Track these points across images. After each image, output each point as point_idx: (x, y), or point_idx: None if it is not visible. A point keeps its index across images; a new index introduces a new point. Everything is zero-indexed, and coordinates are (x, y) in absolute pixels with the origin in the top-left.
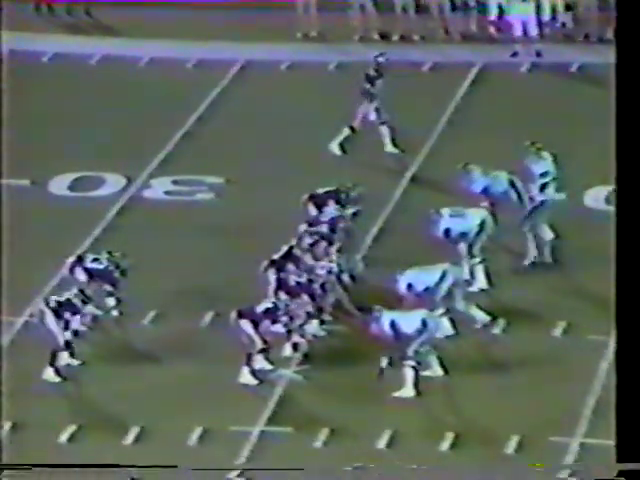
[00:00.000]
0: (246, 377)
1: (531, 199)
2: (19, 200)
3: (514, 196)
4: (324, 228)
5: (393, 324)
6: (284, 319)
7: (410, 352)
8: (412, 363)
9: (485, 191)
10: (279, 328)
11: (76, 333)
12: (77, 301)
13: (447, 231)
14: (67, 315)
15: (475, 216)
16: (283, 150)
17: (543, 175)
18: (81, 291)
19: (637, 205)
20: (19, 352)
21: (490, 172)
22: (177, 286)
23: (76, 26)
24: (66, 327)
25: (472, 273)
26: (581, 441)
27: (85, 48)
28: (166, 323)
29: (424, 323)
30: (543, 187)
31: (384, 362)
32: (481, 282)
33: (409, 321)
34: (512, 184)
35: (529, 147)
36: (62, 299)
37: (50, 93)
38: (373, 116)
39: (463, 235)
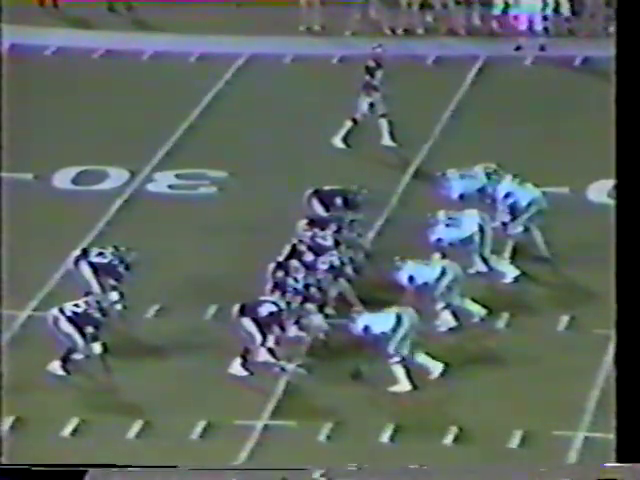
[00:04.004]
0: (236, 368)
1: (514, 206)
2: (22, 194)
3: (490, 191)
4: (330, 232)
5: (366, 328)
6: (291, 322)
7: (391, 349)
8: (396, 359)
9: (462, 197)
10: (292, 332)
11: (95, 338)
12: (96, 314)
13: (439, 240)
14: (86, 328)
15: (470, 223)
16: (286, 144)
17: (507, 196)
18: (98, 303)
19: (638, 198)
20: (21, 346)
21: (467, 172)
22: (180, 280)
23: (79, 20)
24: (81, 333)
25: (486, 262)
26: (585, 435)
27: (88, 42)
28: (169, 317)
29: (399, 318)
30: (512, 209)
31: (362, 367)
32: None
33: (383, 320)
34: (489, 177)
35: (487, 170)
36: (79, 310)
37: (53, 87)
38: (366, 108)
39: (459, 242)
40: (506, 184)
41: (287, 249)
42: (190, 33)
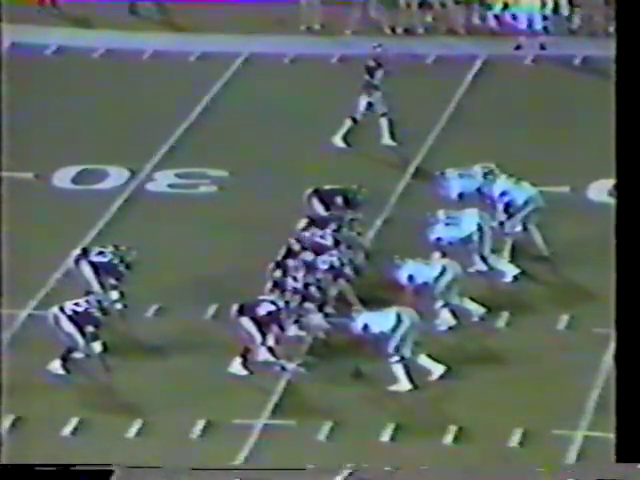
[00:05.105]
0: (236, 367)
1: (510, 204)
2: (23, 193)
3: (487, 191)
4: (330, 231)
5: (366, 327)
6: (290, 322)
7: (390, 349)
8: (396, 359)
9: (461, 196)
10: (291, 332)
11: (95, 337)
12: (97, 313)
13: (439, 239)
14: (86, 327)
15: (470, 222)
16: (286, 143)
17: (503, 195)
18: (98, 302)
19: (638, 198)
20: (21, 346)
21: (466, 171)
22: (180, 279)
23: (79, 19)
24: (82, 332)
25: (486, 261)
26: (584, 434)
27: (88, 41)
28: (169, 316)
29: (399, 318)
30: (508, 207)
31: (362, 366)
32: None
33: (383, 320)
34: (485, 176)
35: (484, 170)
36: (80, 309)
37: (53, 86)
38: (366, 107)
39: (459, 241)
40: (501, 183)
41: (284, 249)
42: (190, 33)
